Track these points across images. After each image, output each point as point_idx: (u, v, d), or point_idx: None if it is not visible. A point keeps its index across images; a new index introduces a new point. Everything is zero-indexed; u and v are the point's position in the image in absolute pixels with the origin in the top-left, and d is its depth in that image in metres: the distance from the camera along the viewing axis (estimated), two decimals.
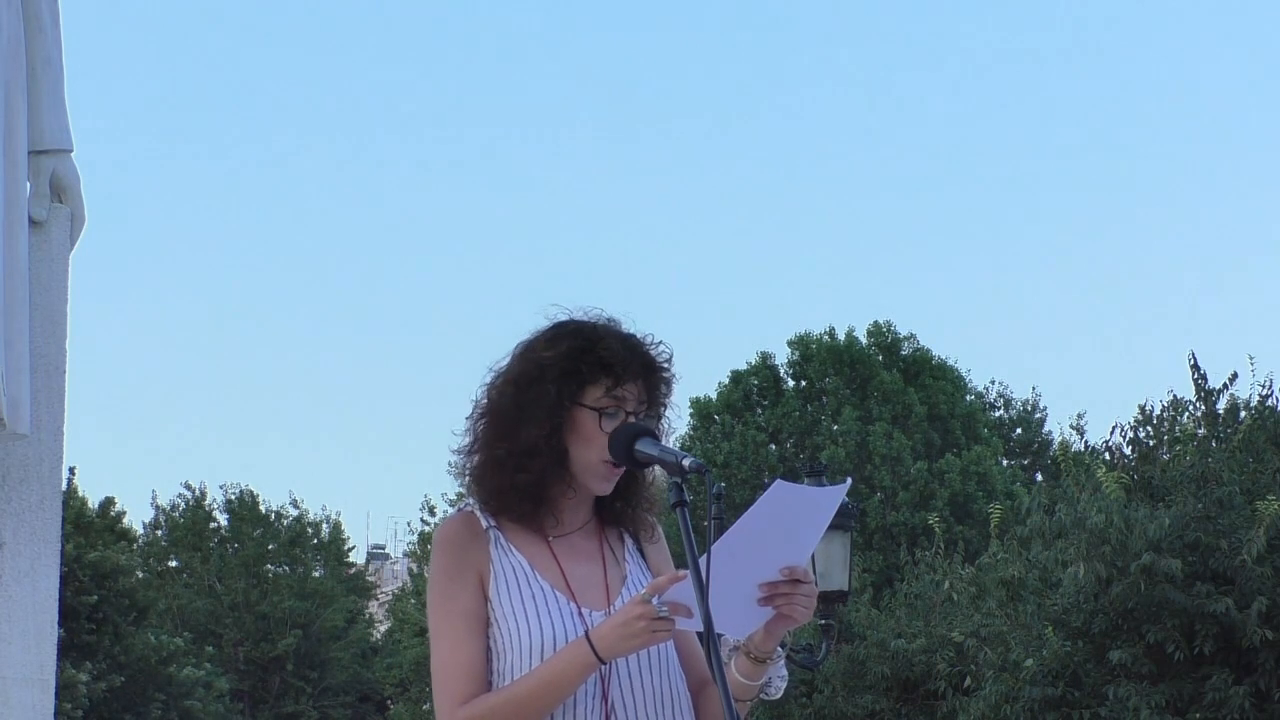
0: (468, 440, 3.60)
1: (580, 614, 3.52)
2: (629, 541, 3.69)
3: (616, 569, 3.63)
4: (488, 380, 3.61)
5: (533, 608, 3.51)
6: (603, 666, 3.45)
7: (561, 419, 3.52)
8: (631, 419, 3.54)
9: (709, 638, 3.23)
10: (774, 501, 3.36)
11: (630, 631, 3.36)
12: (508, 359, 3.61)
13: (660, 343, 3.62)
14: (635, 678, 3.53)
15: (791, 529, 3.42)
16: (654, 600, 3.35)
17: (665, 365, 3.61)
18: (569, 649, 3.42)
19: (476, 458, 3.59)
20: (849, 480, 4.01)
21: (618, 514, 3.67)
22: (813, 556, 3.91)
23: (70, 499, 37.18)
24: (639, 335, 3.61)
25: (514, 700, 3.44)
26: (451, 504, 37.59)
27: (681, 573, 3.36)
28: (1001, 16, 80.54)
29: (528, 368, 3.56)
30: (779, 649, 3.52)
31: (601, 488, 3.58)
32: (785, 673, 3.56)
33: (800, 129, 78.84)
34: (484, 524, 3.58)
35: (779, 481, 3.38)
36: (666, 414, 3.62)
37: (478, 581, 3.54)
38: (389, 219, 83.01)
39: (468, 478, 3.61)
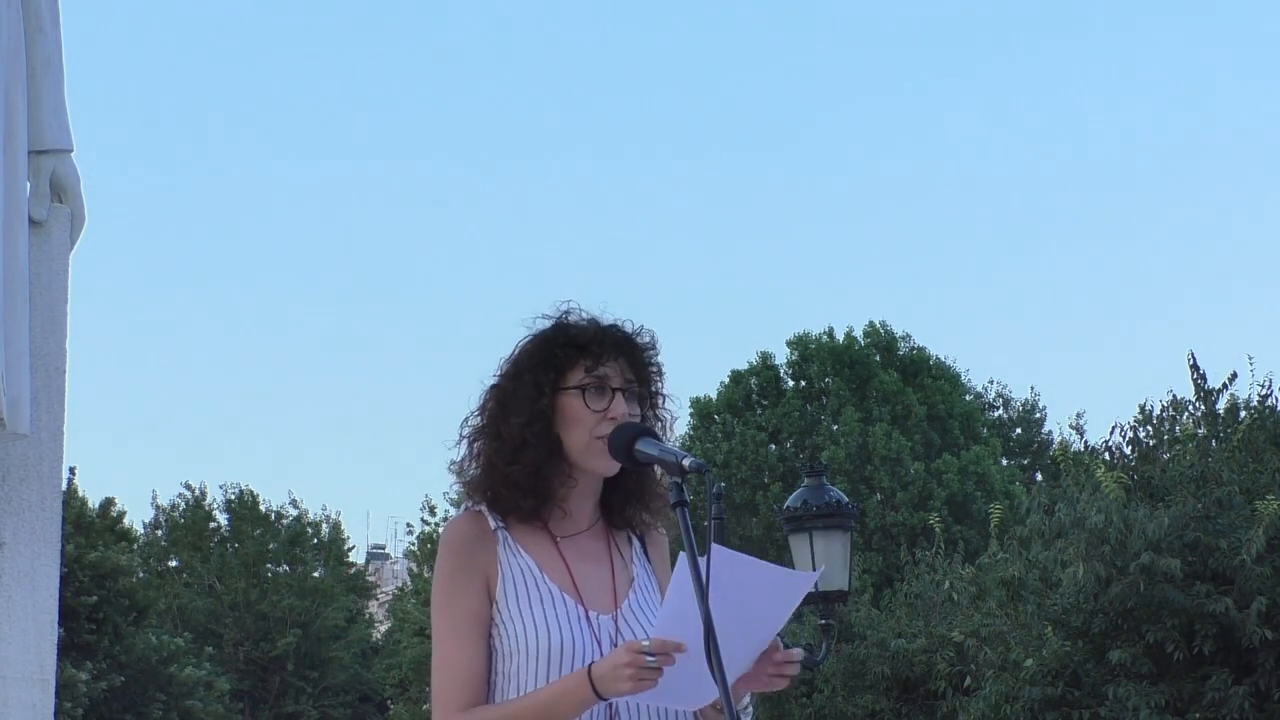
0: (463, 452, 3.62)
1: (587, 617, 3.52)
2: (636, 544, 3.69)
3: (624, 571, 3.63)
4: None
5: (540, 610, 3.51)
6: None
7: (545, 408, 3.53)
8: (621, 395, 3.54)
9: (709, 637, 3.23)
10: (720, 568, 3.25)
11: (618, 676, 3.32)
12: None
13: (641, 327, 3.63)
14: None
15: (755, 604, 3.34)
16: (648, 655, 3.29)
17: (647, 344, 3.61)
18: (571, 678, 3.40)
19: (471, 469, 3.61)
20: (821, 569, 3.97)
21: (628, 517, 3.67)
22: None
23: (70, 499, 37.14)
24: (618, 320, 3.62)
25: (510, 718, 3.43)
26: (453, 503, 37.55)
27: (684, 644, 3.30)
28: (1000, 16, 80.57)
29: (508, 368, 3.60)
30: (746, 697, 3.51)
31: (604, 466, 3.56)
32: (752, 712, 3.57)
33: (799, 130, 78.87)
34: (492, 524, 3.58)
35: (716, 548, 3.26)
36: (666, 404, 3.62)
37: (483, 584, 3.53)
38: (389, 219, 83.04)
39: (465, 489, 3.62)
